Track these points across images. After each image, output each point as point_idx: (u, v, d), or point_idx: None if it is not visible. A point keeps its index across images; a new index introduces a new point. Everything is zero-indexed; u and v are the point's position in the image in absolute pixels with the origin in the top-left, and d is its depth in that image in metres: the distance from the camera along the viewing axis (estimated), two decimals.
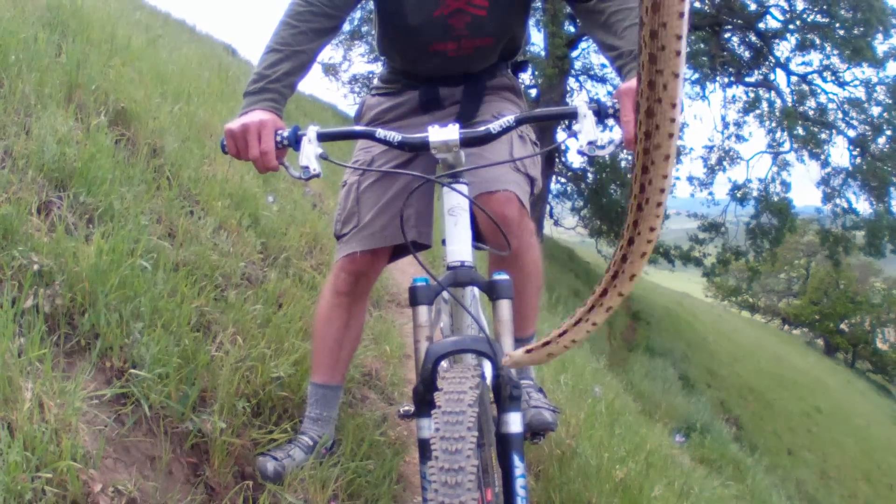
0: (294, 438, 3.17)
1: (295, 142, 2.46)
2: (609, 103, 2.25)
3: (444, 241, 2.49)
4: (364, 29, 27.23)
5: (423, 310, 2.37)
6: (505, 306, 2.36)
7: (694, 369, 24.42)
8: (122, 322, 2.87)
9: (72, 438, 2.28)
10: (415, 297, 2.38)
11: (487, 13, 2.94)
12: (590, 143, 2.17)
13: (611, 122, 2.29)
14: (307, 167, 2.42)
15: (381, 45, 3.33)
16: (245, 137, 2.49)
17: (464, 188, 2.42)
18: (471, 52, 3.08)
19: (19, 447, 2.13)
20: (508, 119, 2.33)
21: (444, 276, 2.40)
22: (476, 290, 2.78)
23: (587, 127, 2.19)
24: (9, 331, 2.44)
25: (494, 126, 2.31)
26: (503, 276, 2.38)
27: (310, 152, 2.43)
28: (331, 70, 30.22)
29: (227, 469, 2.85)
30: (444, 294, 2.44)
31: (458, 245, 2.38)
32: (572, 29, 23.92)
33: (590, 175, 31.10)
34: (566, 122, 2.44)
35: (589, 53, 27.43)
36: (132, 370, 2.76)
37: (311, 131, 2.44)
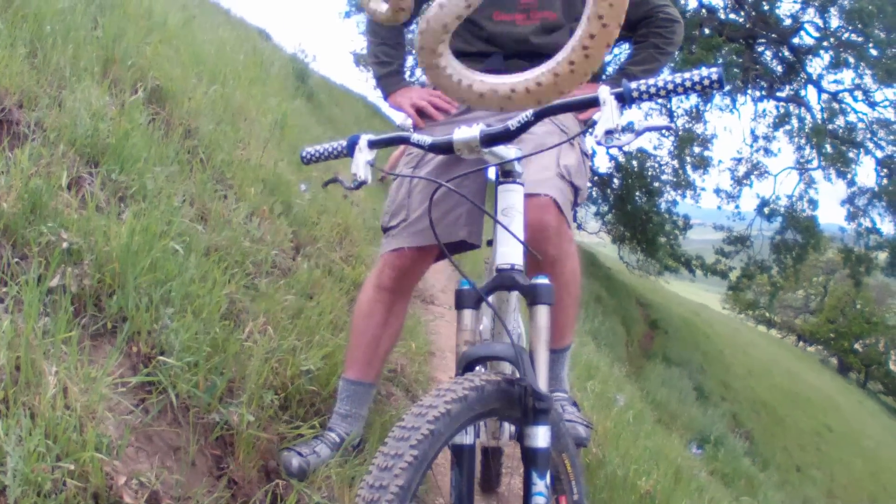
0: (321, 434, 3.09)
1: (350, 151, 2.53)
2: (633, 86, 2.12)
3: (489, 242, 2.41)
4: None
5: (466, 313, 2.30)
6: (542, 312, 2.24)
7: (709, 381, 24.37)
8: (151, 306, 2.77)
9: (96, 428, 2.19)
10: (460, 301, 2.30)
11: None
12: (607, 132, 2.02)
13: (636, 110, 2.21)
14: (356, 174, 2.48)
15: None
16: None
17: (520, 189, 2.33)
18: (537, 22, 3.25)
19: (41, 435, 2.03)
20: (526, 114, 2.23)
21: (489, 279, 2.31)
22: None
23: (606, 115, 2.05)
24: (34, 310, 2.34)
25: (513, 122, 2.23)
26: (543, 280, 2.25)
27: (360, 160, 2.49)
28: (362, 60, 30.10)
29: (251, 463, 2.75)
30: (490, 297, 2.35)
31: (509, 247, 2.28)
32: None
33: (616, 181, 30.99)
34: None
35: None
36: (160, 357, 2.66)
37: (363, 140, 2.51)
